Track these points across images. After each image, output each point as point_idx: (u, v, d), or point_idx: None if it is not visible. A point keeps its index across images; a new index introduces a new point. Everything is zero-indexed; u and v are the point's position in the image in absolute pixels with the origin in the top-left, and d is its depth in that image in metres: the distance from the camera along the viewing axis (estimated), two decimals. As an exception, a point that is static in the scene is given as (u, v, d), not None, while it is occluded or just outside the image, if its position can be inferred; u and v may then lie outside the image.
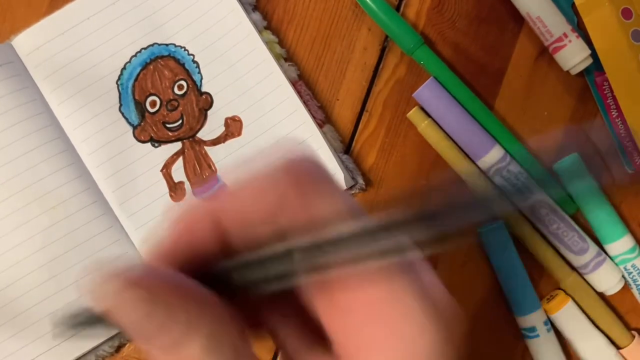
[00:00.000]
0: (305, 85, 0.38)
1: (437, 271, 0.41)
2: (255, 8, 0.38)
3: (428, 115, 0.38)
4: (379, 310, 0.15)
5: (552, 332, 0.38)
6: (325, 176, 0.17)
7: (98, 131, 0.37)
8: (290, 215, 0.16)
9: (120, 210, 0.37)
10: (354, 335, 0.16)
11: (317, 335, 0.17)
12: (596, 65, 0.37)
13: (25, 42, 0.36)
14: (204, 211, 0.17)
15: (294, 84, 0.38)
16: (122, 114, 0.37)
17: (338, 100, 0.38)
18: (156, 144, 0.37)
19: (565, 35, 0.37)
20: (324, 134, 0.37)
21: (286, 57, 0.38)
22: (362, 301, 0.16)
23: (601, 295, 0.39)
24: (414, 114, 0.38)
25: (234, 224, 0.17)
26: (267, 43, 0.38)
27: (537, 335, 0.37)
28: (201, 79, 0.37)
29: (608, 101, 0.39)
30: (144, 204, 0.37)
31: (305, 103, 0.37)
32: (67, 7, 0.37)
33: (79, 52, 0.37)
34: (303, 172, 0.17)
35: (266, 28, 0.38)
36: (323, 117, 0.38)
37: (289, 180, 0.16)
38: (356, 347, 0.16)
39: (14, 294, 0.35)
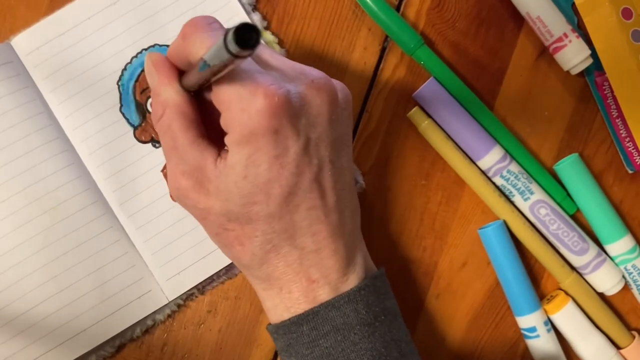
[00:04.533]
0: (305, 86, 0.38)
1: (438, 271, 0.41)
2: (255, 8, 0.38)
3: (428, 115, 0.38)
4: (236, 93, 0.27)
5: (552, 332, 0.38)
6: (204, 24, 0.28)
7: (98, 131, 0.37)
8: (181, 51, 0.28)
9: (121, 210, 0.37)
10: (225, 104, 0.27)
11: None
12: (596, 65, 0.37)
13: (24, 42, 0.36)
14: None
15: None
16: (123, 114, 0.37)
17: (338, 100, 0.38)
18: (157, 145, 0.37)
19: (565, 35, 0.37)
20: (324, 134, 0.37)
21: (286, 57, 0.38)
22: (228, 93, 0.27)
23: (601, 295, 0.39)
24: (414, 114, 0.38)
25: (175, 61, 0.30)
26: (267, 43, 0.38)
27: (537, 336, 0.37)
28: (201, 79, 0.37)
29: (608, 101, 0.39)
30: (144, 204, 0.37)
31: (305, 103, 0.37)
32: (67, 7, 0.37)
33: (79, 52, 0.37)
34: (188, 24, 0.28)
35: (266, 28, 0.38)
36: (323, 118, 0.38)
37: (180, 34, 0.28)
38: (226, 109, 0.27)
39: (14, 294, 0.35)
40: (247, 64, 0.27)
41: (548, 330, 0.38)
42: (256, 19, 0.38)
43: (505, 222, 0.38)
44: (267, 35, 0.38)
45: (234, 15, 0.37)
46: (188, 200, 0.29)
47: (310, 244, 0.29)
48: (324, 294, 0.29)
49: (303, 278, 0.29)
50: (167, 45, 0.37)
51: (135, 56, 0.37)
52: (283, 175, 0.27)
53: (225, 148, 0.28)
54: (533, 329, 0.37)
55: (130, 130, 0.37)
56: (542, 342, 0.37)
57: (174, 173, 0.29)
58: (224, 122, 0.27)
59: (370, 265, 0.32)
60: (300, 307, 0.29)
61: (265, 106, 0.26)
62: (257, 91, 0.26)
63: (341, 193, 0.30)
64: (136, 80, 0.37)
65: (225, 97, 0.27)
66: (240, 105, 0.26)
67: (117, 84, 0.37)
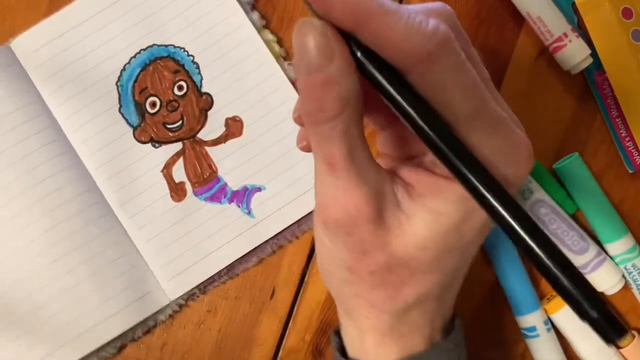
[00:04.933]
0: (305, 86, 0.38)
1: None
2: (254, 8, 0.38)
3: (428, 115, 0.38)
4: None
5: (552, 332, 0.38)
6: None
7: (98, 132, 0.37)
8: (448, 65, 0.20)
9: (121, 211, 0.37)
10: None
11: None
12: (596, 65, 0.37)
13: (24, 44, 0.36)
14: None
15: (294, 83, 0.38)
16: (122, 115, 0.37)
17: (338, 100, 0.38)
18: (156, 145, 0.37)
19: (565, 35, 0.36)
20: (324, 135, 0.37)
21: (285, 56, 0.38)
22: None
23: (601, 294, 0.39)
24: (414, 114, 0.38)
25: (372, 38, 0.19)
26: (266, 42, 0.38)
27: (537, 335, 0.37)
28: (201, 79, 0.37)
29: (608, 101, 0.39)
30: (145, 204, 0.37)
31: (305, 103, 0.37)
32: (66, 9, 0.37)
33: (78, 53, 0.37)
34: (462, 37, 0.21)
35: (265, 27, 0.38)
36: (323, 118, 0.38)
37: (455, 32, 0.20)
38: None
39: (16, 296, 0.35)
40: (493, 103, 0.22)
41: (548, 330, 0.38)
42: (254, 18, 0.38)
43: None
44: (266, 35, 0.38)
45: (232, 13, 0.37)
46: (356, 228, 0.22)
47: (449, 299, 0.27)
48: (438, 340, 0.27)
49: (429, 327, 0.27)
50: (165, 46, 0.37)
51: (134, 56, 0.37)
52: (484, 234, 0.25)
53: (414, 189, 0.23)
54: (533, 329, 0.37)
55: (130, 130, 0.37)
56: (542, 341, 0.37)
57: (347, 191, 0.22)
58: None
59: None
60: (411, 351, 0.26)
61: (527, 169, 0.22)
62: (520, 148, 0.22)
63: None
64: (135, 81, 0.37)
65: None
66: (498, 159, 0.21)
67: (116, 84, 0.37)
